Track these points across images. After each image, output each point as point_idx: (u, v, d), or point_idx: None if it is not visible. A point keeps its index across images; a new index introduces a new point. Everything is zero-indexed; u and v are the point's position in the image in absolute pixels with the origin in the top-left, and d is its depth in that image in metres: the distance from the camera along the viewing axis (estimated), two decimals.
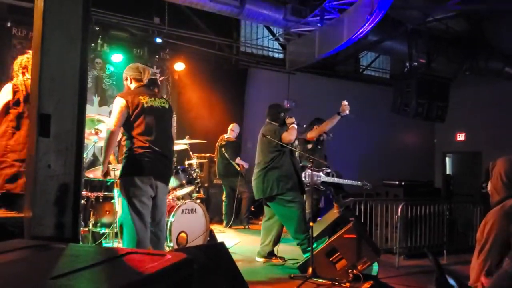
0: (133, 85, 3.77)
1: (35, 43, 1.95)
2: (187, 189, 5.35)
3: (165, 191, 3.83)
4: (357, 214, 5.59)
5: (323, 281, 3.99)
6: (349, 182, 6.05)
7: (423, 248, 5.62)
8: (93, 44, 7.28)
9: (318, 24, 7.40)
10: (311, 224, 4.22)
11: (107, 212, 4.70)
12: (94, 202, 4.72)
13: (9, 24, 6.69)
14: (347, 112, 5.17)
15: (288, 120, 4.89)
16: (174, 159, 4.73)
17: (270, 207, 4.87)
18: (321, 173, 5.84)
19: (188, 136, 5.90)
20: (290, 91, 9.29)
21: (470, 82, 10.06)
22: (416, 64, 8.34)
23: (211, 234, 5.28)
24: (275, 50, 9.99)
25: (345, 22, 6.69)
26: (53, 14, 1.90)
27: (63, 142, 1.91)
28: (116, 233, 4.28)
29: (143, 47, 7.95)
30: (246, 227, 7.38)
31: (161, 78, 8.18)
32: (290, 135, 4.75)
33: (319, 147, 6.03)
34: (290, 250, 5.12)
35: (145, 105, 3.58)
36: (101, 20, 7.25)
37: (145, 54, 7.96)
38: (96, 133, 4.64)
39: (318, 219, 5.83)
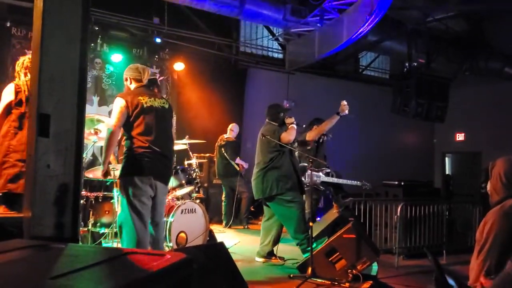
0: (133, 86, 3.77)
1: (34, 43, 1.95)
2: (187, 189, 5.35)
3: (165, 191, 3.83)
4: (356, 214, 5.58)
5: (323, 281, 3.99)
6: (349, 182, 6.05)
7: (423, 248, 5.62)
8: (92, 44, 7.28)
9: (318, 24, 7.40)
10: (310, 224, 4.22)
11: (107, 212, 4.70)
12: (93, 202, 4.72)
13: (8, 24, 6.69)
14: (347, 112, 5.16)
15: (288, 120, 4.89)
16: (174, 159, 4.73)
17: (270, 207, 4.87)
18: (320, 173, 5.84)
19: (187, 136, 5.89)
20: (289, 91, 9.29)
21: (469, 82, 10.06)
22: (415, 64, 8.34)
23: (211, 234, 5.28)
24: (274, 50, 9.99)
25: (345, 22, 6.69)
26: (53, 14, 1.90)
27: (62, 142, 1.91)
28: (116, 233, 4.27)
29: (143, 47, 7.95)
30: (246, 227, 7.38)
31: (161, 78, 8.18)
32: (289, 135, 4.75)
33: (318, 148, 6.04)
34: (289, 250, 5.12)
35: (145, 105, 3.58)
36: (100, 20, 7.24)
37: (145, 54, 7.96)
38: (96, 133, 4.64)
39: (317, 219, 5.83)
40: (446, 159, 12.82)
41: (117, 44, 7.61)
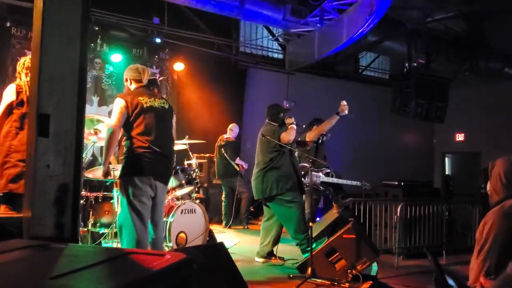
0: (133, 86, 3.78)
1: (34, 43, 1.95)
2: (187, 189, 5.35)
3: (164, 191, 3.83)
4: (356, 214, 5.58)
5: (322, 281, 3.99)
6: (348, 182, 6.05)
7: (422, 248, 5.62)
8: (92, 44, 7.27)
9: (318, 25, 7.40)
10: (310, 224, 4.22)
11: (106, 212, 4.70)
12: (93, 202, 4.72)
13: (8, 24, 6.69)
14: (346, 112, 5.16)
15: (288, 120, 4.89)
16: (174, 159, 4.73)
17: (270, 207, 4.87)
18: (320, 173, 5.85)
19: (187, 136, 5.89)
20: (289, 91, 9.29)
21: (469, 82, 10.05)
22: (415, 64, 8.34)
23: (211, 234, 5.28)
24: (274, 50, 9.99)
25: (345, 23, 6.69)
26: (53, 14, 1.90)
27: (62, 142, 1.91)
28: (116, 233, 4.28)
29: (143, 47, 7.95)
30: (246, 227, 7.38)
31: (161, 78, 8.17)
32: (288, 135, 4.75)
33: (318, 148, 6.04)
34: (289, 250, 5.12)
35: (145, 106, 3.58)
36: (100, 20, 7.24)
37: (145, 54, 7.96)
38: (96, 133, 4.64)
39: (317, 219, 5.83)
40: (446, 159, 12.83)
41: (117, 44, 7.61)
